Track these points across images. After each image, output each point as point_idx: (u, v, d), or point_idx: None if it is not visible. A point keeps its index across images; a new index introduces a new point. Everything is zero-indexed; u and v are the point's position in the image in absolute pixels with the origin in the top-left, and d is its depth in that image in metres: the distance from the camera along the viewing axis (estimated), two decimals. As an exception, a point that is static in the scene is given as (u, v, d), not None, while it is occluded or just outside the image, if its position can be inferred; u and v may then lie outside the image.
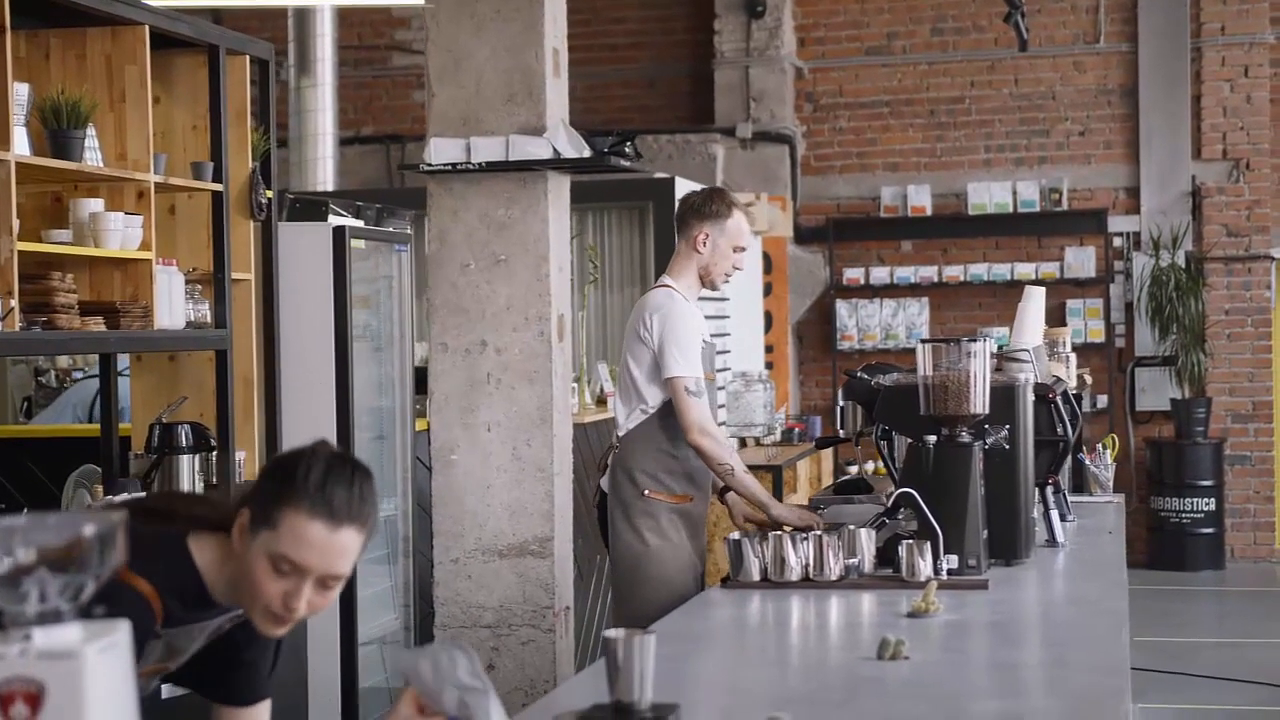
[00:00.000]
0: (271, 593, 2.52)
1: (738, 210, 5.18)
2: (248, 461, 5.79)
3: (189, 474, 5.36)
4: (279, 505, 2.50)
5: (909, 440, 4.46)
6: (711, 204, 5.17)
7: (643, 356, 5.06)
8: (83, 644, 1.76)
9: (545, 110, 5.35)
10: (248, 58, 5.83)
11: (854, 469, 9.84)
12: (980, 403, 4.30)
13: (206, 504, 2.76)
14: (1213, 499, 11.84)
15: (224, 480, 5.55)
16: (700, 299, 5.18)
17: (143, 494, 4.76)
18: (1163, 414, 12.16)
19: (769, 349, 11.90)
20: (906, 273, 12.42)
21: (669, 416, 5.06)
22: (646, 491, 5.06)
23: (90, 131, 4.94)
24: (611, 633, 2.66)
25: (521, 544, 5.36)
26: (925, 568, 4.07)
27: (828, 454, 10.70)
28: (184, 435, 5.37)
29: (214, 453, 5.53)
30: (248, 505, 2.56)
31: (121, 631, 1.81)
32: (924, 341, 4.37)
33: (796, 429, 10.59)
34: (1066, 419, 4.95)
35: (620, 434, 5.16)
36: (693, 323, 5.06)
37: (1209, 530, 11.84)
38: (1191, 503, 11.81)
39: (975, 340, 4.35)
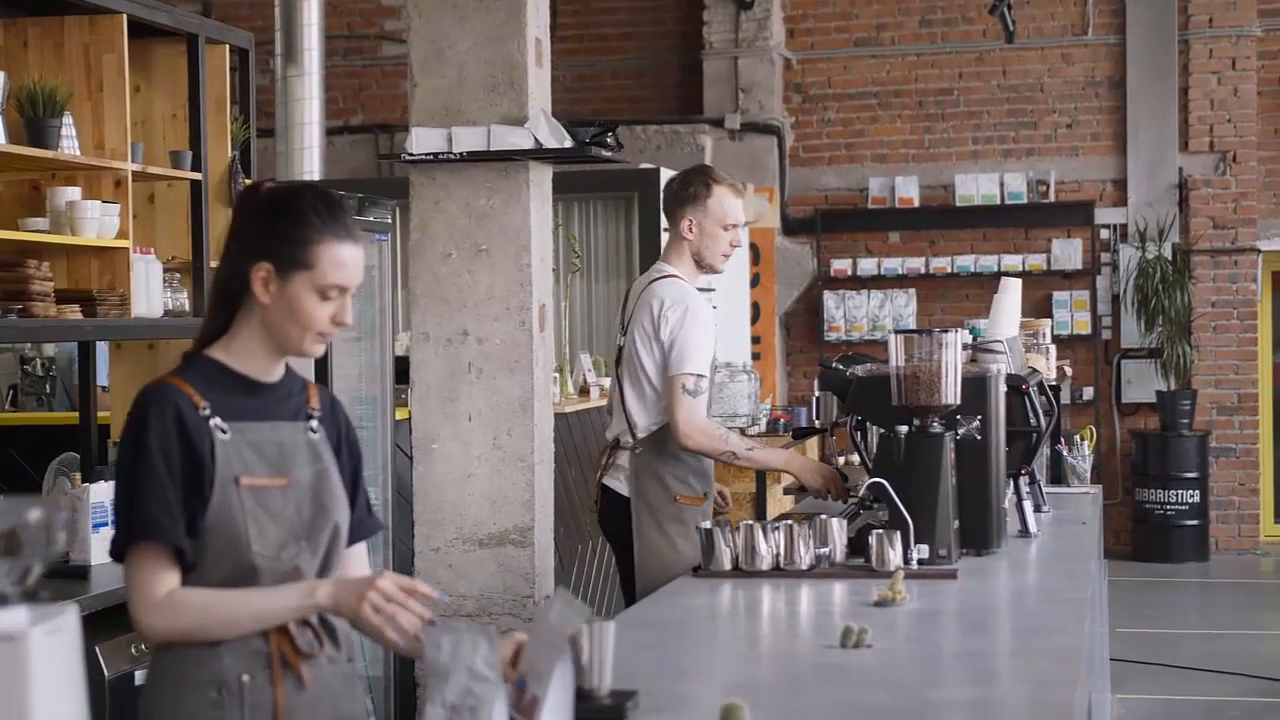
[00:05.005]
0: (322, 317, 2.82)
1: (719, 186, 5.02)
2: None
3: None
4: (308, 245, 2.78)
5: (881, 430, 4.47)
6: (689, 187, 5.04)
7: (658, 353, 4.94)
8: (28, 626, 1.78)
9: (527, 100, 5.34)
10: (227, 47, 5.84)
11: (841, 460, 9.84)
12: (951, 393, 4.30)
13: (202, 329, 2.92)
14: (1198, 491, 11.87)
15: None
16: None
17: None
18: (1148, 406, 12.19)
19: (756, 340, 11.92)
20: (894, 264, 12.44)
21: None
22: (678, 497, 4.97)
23: (67, 120, 4.94)
24: (571, 620, 2.68)
25: (502, 533, 5.36)
26: (895, 557, 4.08)
27: (816, 444, 10.71)
28: (162, 423, 5.36)
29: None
30: (263, 259, 2.78)
31: (68, 615, 1.83)
32: (897, 332, 4.38)
33: (783, 420, 10.60)
34: (1040, 410, 4.96)
35: (639, 434, 5.00)
36: (708, 318, 4.94)
37: (1194, 522, 11.87)
38: (1176, 494, 11.83)
39: (947, 331, 4.36)
